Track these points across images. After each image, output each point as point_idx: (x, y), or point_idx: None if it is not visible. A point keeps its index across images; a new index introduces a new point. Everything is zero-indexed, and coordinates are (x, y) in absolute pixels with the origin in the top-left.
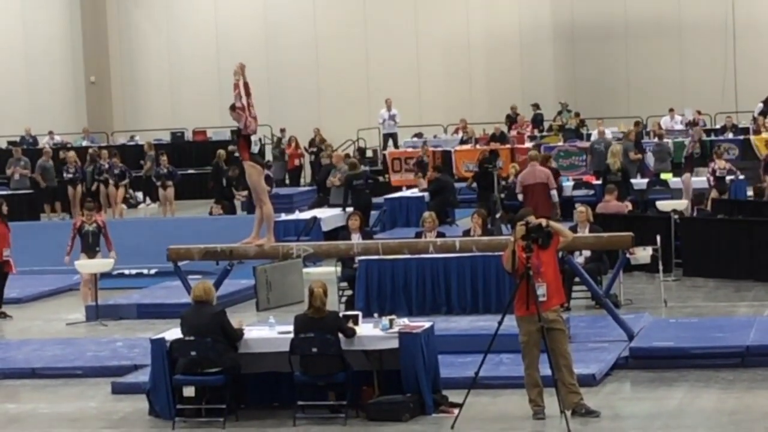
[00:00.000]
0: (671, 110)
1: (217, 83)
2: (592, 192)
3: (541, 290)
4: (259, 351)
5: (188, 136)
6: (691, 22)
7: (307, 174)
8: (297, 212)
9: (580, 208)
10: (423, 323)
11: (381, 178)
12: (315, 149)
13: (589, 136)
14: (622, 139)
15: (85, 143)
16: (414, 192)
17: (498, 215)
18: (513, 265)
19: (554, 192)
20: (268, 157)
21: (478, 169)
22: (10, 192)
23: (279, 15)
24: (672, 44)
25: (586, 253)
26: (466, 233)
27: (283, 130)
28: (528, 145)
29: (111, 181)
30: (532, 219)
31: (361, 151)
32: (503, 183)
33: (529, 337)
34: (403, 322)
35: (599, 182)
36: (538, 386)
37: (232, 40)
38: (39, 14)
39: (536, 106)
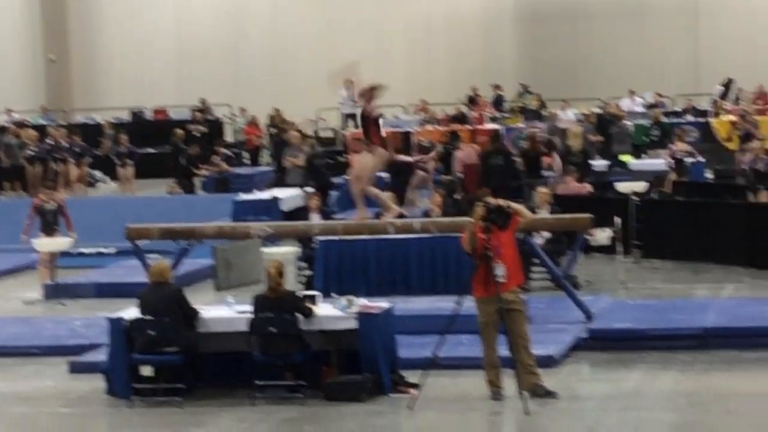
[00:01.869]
0: (632, 92)
1: (177, 61)
2: (552, 173)
3: (501, 271)
4: (218, 330)
5: (148, 114)
6: (654, 3)
7: (266, 153)
8: (255, 192)
9: (541, 189)
10: (382, 304)
11: (341, 158)
12: (275, 129)
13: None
14: (583, 121)
15: (42, 121)
16: None
17: (457, 196)
18: (472, 246)
19: None
20: (228, 138)
21: (443, 150)
22: None
23: None
24: (634, 26)
25: (546, 234)
26: (426, 214)
27: (243, 110)
28: (488, 126)
29: (72, 161)
30: (491, 200)
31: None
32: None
33: (488, 318)
34: (362, 303)
35: None
36: (496, 367)
37: (193, 18)
38: None
39: (497, 87)
